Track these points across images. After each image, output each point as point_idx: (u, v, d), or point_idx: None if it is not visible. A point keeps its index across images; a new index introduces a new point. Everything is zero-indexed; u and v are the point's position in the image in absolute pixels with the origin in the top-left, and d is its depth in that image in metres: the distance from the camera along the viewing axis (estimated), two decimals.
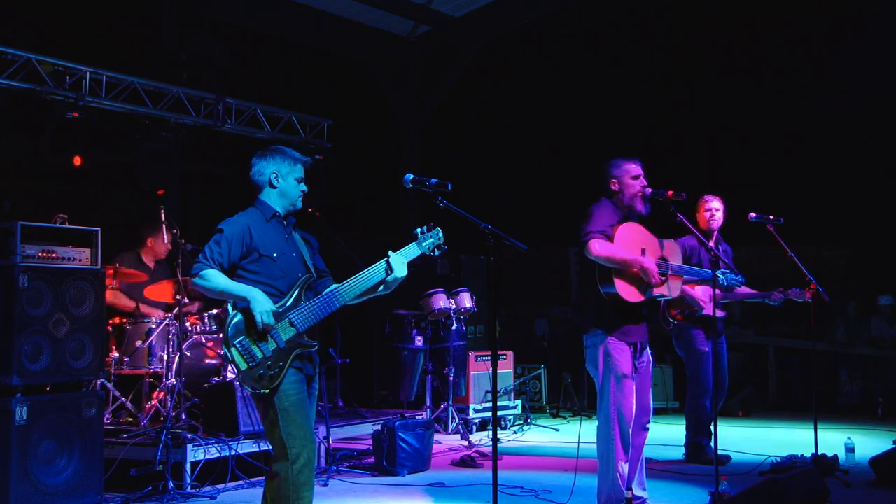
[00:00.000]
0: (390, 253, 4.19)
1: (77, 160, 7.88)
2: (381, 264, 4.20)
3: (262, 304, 3.95)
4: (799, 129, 11.55)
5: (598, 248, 4.88)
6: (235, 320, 3.99)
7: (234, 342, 3.96)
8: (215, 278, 4.01)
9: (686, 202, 5.13)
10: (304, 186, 4.31)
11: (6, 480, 4.96)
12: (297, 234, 4.35)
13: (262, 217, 4.22)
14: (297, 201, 4.30)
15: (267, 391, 3.98)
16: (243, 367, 3.95)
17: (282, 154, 4.30)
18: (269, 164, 4.28)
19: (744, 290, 6.85)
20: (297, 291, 4.13)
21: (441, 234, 4.28)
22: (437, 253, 4.29)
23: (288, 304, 4.09)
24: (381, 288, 4.26)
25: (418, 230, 4.29)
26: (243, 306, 4.00)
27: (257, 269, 4.10)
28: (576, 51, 12.09)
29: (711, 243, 6.96)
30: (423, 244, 4.26)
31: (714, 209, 7.01)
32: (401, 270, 4.18)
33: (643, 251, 5.10)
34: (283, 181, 4.26)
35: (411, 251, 4.24)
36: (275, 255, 4.13)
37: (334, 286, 4.21)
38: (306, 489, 4.02)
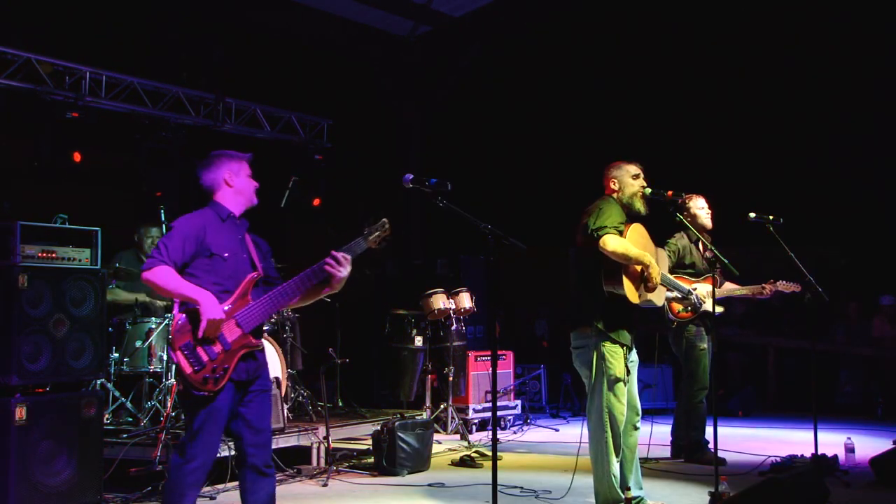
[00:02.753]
0: (333, 252, 4.12)
1: (77, 156, 7.88)
2: (320, 265, 4.12)
3: (211, 310, 3.93)
4: (799, 129, 11.56)
5: (615, 242, 4.86)
6: (181, 321, 3.97)
7: (181, 346, 3.94)
8: (168, 276, 3.98)
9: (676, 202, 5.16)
10: (254, 182, 4.34)
11: (6, 480, 4.95)
12: (249, 237, 4.34)
13: (217, 217, 4.22)
14: (253, 196, 4.33)
15: (206, 394, 3.95)
16: (188, 370, 3.92)
17: (227, 156, 4.33)
18: (220, 168, 4.30)
19: (733, 286, 6.92)
20: (244, 291, 4.11)
21: (387, 225, 4.19)
22: (383, 244, 4.22)
23: (235, 303, 4.07)
24: (327, 290, 4.19)
25: (366, 225, 4.23)
26: (191, 308, 3.97)
27: (208, 268, 4.07)
28: (576, 50, 12.09)
29: (700, 246, 7.04)
30: (370, 237, 4.16)
31: (707, 207, 7.06)
32: (340, 269, 4.08)
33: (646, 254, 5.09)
34: (237, 179, 4.28)
35: (357, 246, 4.17)
36: (226, 255, 4.12)
37: (279, 287, 4.17)
38: (194, 490, 4.00)
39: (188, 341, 3.95)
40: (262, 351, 4.24)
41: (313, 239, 10.57)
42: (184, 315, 3.98)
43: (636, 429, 5.22)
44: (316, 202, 9.72)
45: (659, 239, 5.41)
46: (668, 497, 5.81)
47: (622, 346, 5.06)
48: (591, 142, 11.11)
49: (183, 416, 4.14)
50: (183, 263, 4.05)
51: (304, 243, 11.06)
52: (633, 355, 5.23)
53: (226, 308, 4.02)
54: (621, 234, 4.94)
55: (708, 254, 7.07)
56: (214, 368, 3.95)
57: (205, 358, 3.95)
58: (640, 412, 5.25)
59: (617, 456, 5.04)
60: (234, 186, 4.28)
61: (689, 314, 6.95)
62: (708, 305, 6.95)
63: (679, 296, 6.55)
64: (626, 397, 5.06)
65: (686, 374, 7.13)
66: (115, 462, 5.89)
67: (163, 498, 4.04)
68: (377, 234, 4.15)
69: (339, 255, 4.08)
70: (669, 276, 5.46)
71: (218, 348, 3.98)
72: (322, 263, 4.10)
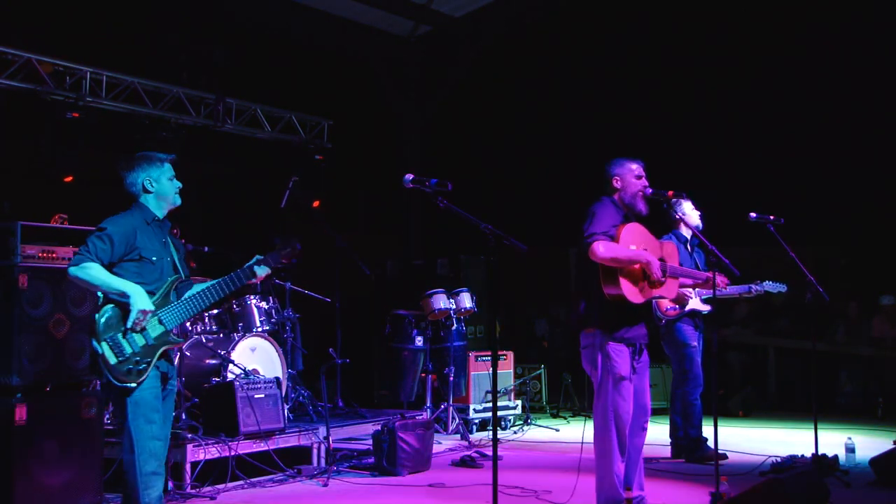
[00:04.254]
0: (256, 261, 4.50)
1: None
2: (247, 270, 4.47)
3: (141, 302, 4.11)
4: (798, 128, 11.55)
5: (603, 249, 4.86)
6: (108, 314, 4.12)
7: (105, 336, 4.09)
8: (97, 271, 4.13)
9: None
10: (177, 183, 4.44)
11: (7, 480, 4.95)
12: (169, 239, 4.50)
13: (143, 220, 4.35)
14: (175, 198, 4.44)
15: (133, 385, 4.12)
16: (112, 361, 4.08)
17: (148, 159, 4.41)
18: (140, 173, 4.38)
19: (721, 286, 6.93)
20: (166, 291, 4.30)
21: (297, 249, 4.57)
22: (294, 261, 4.61)
23: (158, 302, 4.25)
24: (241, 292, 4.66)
25: (277, 240, 4.59)
26: (118, 301, 4.13)
27: (136, 270, 4.23)
28: (576, 50, 12.09)
29: (688, 246, 7.05)
30: (282, 253, 4.54)
31: (689, 212, 7.05)
32: (259, 279, 4.54)
33: (645, 251, 5.09)
34: (157, 185, 4.38)
35: (273, 260, 4.55)
36: (154, 258, 4.29)
37: (203, 287, 4.40)
38: (155, 479, 4.15)
39: (113, 333, 4.11)
40: (177, 353, 4.42)
41: (313, 239, 10.57)
42: (110, 307, 4.13)
43: (643, 429, 5.22)
44: (315, 204, 9.72)
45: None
46: (669, 497, 5.81)
47: (628, 345, 5.06)
48: (591, 141, 11.12)
49: (116, 414, 4.23)
50: (110, 263, 4.19)
51: (305, 243, 11.06)
52: (645, 356, 5.22)
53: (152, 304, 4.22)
54: (613, 237, 4.94)
55: (695, 255, 7.09)
56: (137, 360, 4.13)
57: (129, 350, 4.12)
58: (648, 412, 5.26)
59: (622, 456, 5.03)
60: (154, 192, 4.38)
61: (675, 312, 6.98)
62: (696, 304, 6.97)
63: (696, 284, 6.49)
64: (632, 396, 5.06)
65: (679, 372, 7.14)
66: (115, 462, 5.89)
67: (129, 499, 4.14)
68: (287, 251, 4.57)
69: (261, 270, 4.50)
70: (681, 267, 5.45)
71: (141, 342, 4.16)
72: (245, 276, 4.46)
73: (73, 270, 4.14)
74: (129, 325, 4.09)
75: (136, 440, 4.12)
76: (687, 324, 7.05)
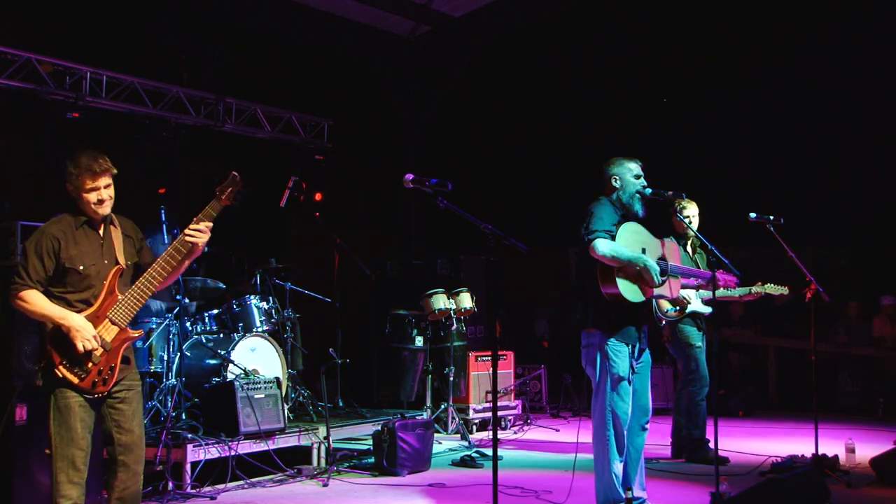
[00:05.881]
0: (190, 226, 4.13)
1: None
2: (181, 239, 4.13)
3: (80, 328, 3.94)
4: (798, 129, 11.56)
5: (603, 247, 4.85)
6: (57, 338, 3.97)
7: (60, 364, 3.96)
8: (35, 299, 4.00)
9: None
10: (101, 194, 4.12)
11: (7, 480, 4.95)
12: (120, 228, 4.24)
13: (73, 224, 4.14)
14: (93, 208, 4.12)
15: (105, 394, 4.02)
16: (76, 381, 3.96)
17: (75, 163, 4.13)
18: (69, 174, 4.14)
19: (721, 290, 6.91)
20: (110, 288, 4.08)
21: (238, 178, 4.13)
22: (238, 198, 4.14)
23: (103, 304, 4.06)
24: (193, 257, 4.23)
25: (217, 184, 4.18)
26: (60, 327, 3.97)
27: (67, 281, 4.06)
28: (576, 51, 12.10)
29: (689, 248, 7.03)
30: (222, 196, 4.14)
31: (693, 216, 7.00)
32: (201, 236, 4.14)
33: (643, 251, 5.08)
34: (77, 192, 4.13)
35: (213, 208, 4.16)
36: (81, 267, 4.06)
37: (144, 275, 4.13)
38: (68, 488, 4.01)
39: (68, 358, 3.96)
40: (131, 347, 4.23)
41: (313, 238, 10.57)
42: (55, 334, 3.98)
43: (644, 430, 5.22)
44: (318, 197, 9.69)
45: None
46: (669, 497, 5.81)
47: (627, 344, 5.06)
48: (591, 141, 11.12)
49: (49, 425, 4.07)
50: (48, 279, 4.04)
51: (305, 243, 11.07)
52: (645, 356, 5.21)
53: (93, 310, 4.02)
54: (613, 237, 4.93)
55: (696, 257, 7.09)
56: (101, 371, 4.00)
57: (89, 364, 3.98)
58: (649, 413, 5.25)
59: (620, 456, 5.03)
60: (76, 198, 4.14)
61: (678, 313, 6.97)
62: (697, 305, 6.96)
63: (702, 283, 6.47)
64: (630, 397, 5.06)
65: (686, 373, 7.13)
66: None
67: None
68: (229, 189, 4.14)
69: (200, 224, 4.13)
70: (682, 266, 5.43)
71: (99, 352, 4.00)
72: (183, 237, 4.12)
73: (15, 302, 4.03)
74: (81, 351, 3.92)
75: (56, 446, 3.99)
76: (690, 324, 7.04)
